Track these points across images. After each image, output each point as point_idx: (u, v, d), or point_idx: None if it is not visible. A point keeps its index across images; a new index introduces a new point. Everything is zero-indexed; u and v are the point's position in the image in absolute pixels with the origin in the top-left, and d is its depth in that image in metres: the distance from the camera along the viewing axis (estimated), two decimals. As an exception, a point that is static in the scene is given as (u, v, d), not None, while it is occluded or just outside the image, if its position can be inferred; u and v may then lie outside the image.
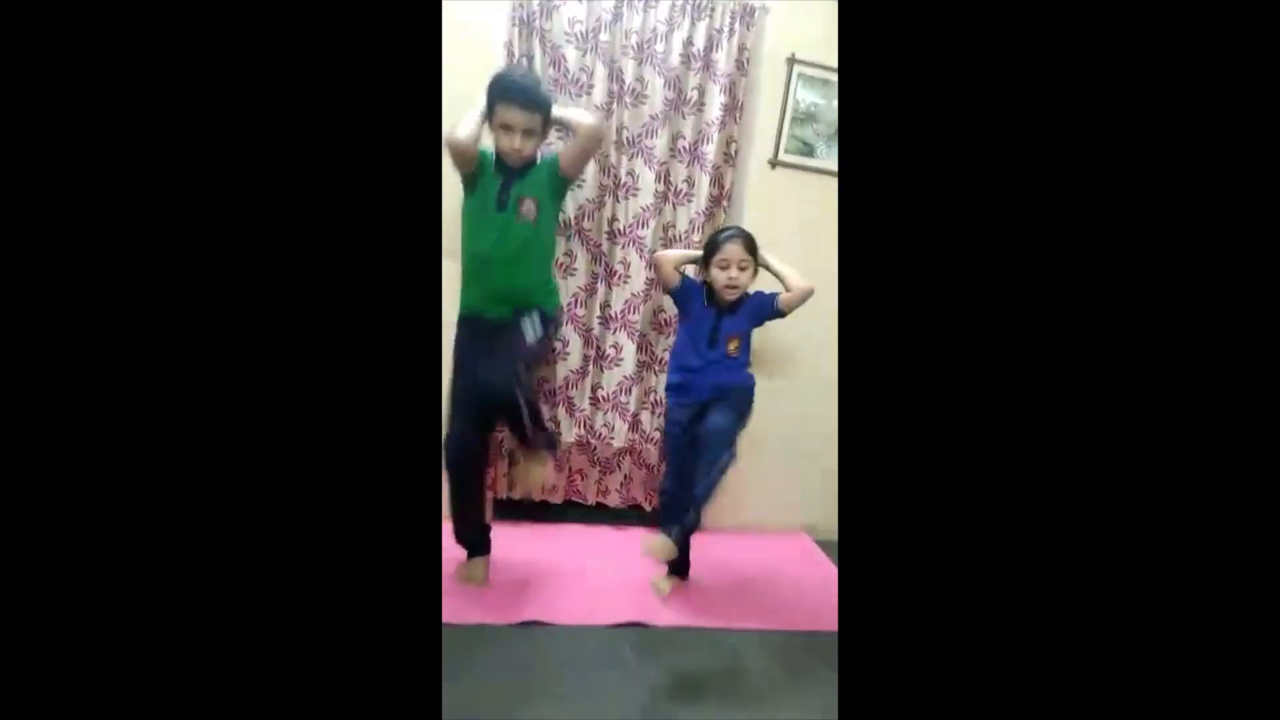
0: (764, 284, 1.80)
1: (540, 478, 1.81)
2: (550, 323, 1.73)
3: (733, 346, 1.78)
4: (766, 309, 1.81)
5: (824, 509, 2.30)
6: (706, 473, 1.67)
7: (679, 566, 1.91)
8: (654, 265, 1.89)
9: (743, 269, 1.73)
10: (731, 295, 1.75)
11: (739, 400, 1.79)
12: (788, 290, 1.79)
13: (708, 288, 1.79)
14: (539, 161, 1.66)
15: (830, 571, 2.11)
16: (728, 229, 1.79)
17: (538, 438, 1.74)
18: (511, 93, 1.51)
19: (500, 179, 1.61)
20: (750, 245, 1.74)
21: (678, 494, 1.82)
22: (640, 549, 1.78)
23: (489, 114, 1.56)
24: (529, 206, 1.63)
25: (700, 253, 1.82)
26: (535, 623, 1.64)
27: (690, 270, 1.87)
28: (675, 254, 1.86)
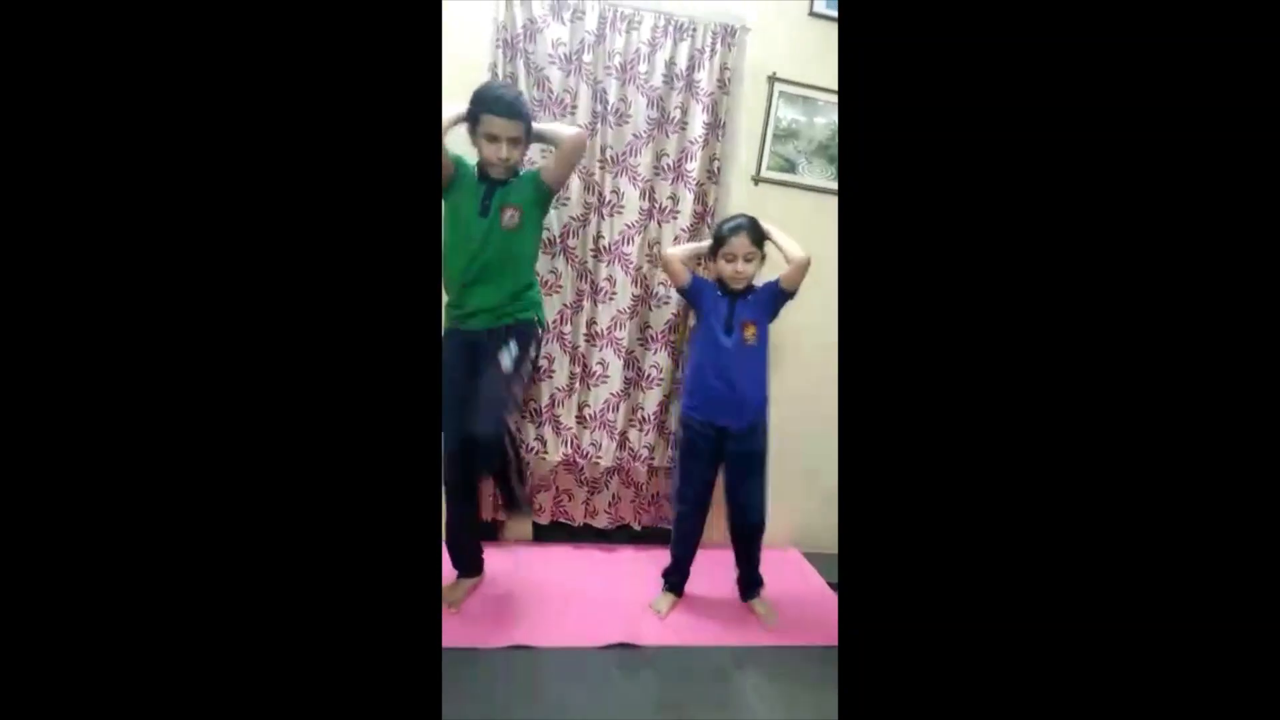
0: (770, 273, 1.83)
1: (527, 530, 1.85)
2: (530, 340, 1.71)
3: (749, 333, 1.76)
4: (775, 295, 1.80)
5: (814, 523, 2.29)
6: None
7: (677, 586, 1.88)
8: (663, 264, 1.89)
9: (749, 260, 1.74)
10: (738, 284, 1.76)
11: (763, 436, 1.82)
12: (788, 261, 1.78)
13: (717, 278, 1.80)
14: (522, 173, 1.68)
15: (821, 585, 2.10)
16: (734, 219, 1.76)
17: (520, 497, 1.81)
18: (495, 104, 1.55)
19: (483, 188, 1.63)
20: (756, 235, 1.74)
21: (693, 520, 1.85)
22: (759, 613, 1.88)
23: (472, 126, 1.59)
24: (511, 214, 1.64)
25: (704, 244, 1.85)
26: (523, 647, 1.61)
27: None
28: (682, 250, 1.87)
